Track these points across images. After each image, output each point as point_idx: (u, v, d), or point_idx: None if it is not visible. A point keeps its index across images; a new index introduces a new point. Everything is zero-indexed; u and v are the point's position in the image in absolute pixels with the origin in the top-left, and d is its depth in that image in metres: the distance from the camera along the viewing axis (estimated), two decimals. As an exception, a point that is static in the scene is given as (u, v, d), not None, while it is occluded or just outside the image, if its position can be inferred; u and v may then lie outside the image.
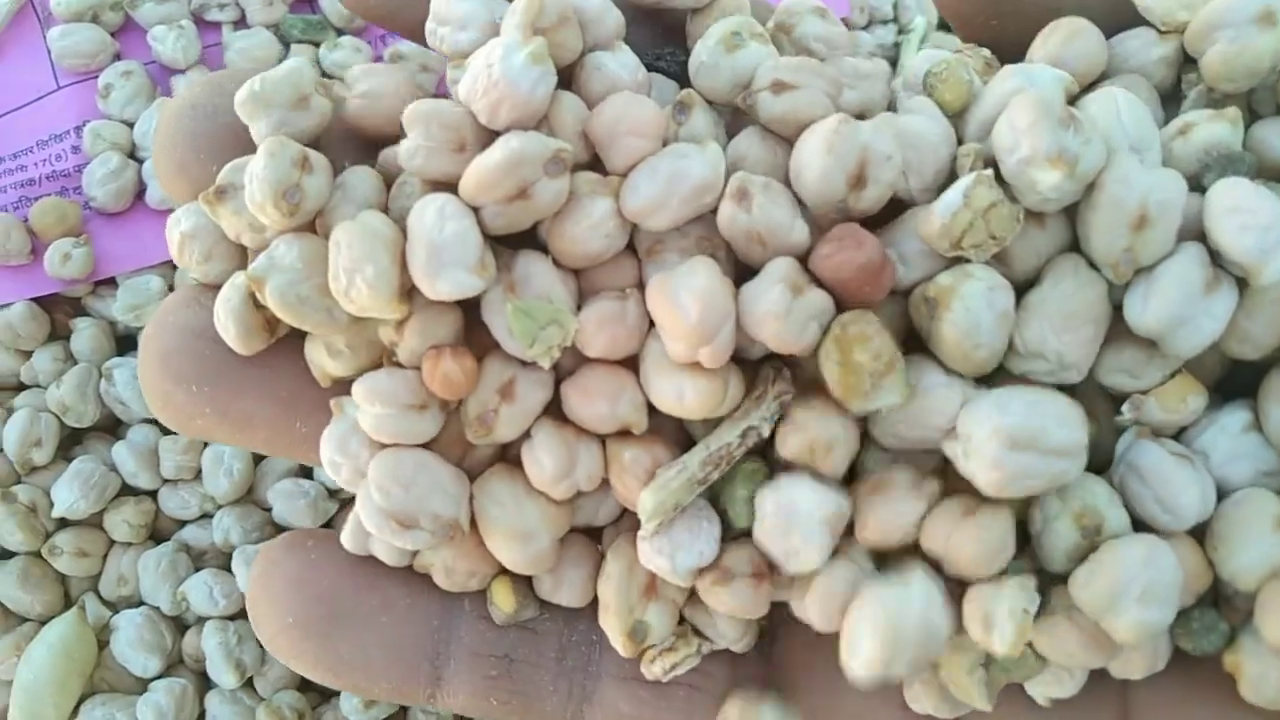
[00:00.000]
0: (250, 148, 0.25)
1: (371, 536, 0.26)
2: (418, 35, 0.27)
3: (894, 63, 0.54)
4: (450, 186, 0.24)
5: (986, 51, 0.28)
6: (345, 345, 0.25)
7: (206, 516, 0.45)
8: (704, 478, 0.24)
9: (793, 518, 0.24)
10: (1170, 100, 0.27)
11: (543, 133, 0.24)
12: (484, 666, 0.27)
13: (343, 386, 0.25)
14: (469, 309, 0.25)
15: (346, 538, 0.27)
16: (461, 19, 0.25)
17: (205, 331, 0.25)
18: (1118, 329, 0.24)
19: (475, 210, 0.23)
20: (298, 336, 0.26)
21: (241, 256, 0.26)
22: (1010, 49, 0.27)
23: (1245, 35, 0.25)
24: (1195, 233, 0.24)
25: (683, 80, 0.26)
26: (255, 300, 0.25)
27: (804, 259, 0.24)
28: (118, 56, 0.48)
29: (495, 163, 0.23)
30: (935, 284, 0.24)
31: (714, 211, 0.24)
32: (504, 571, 0.26)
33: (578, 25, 0.25)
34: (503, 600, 0.26)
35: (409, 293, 0.24)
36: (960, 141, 0.25)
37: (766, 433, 0.24)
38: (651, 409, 0.25)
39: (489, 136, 0.24)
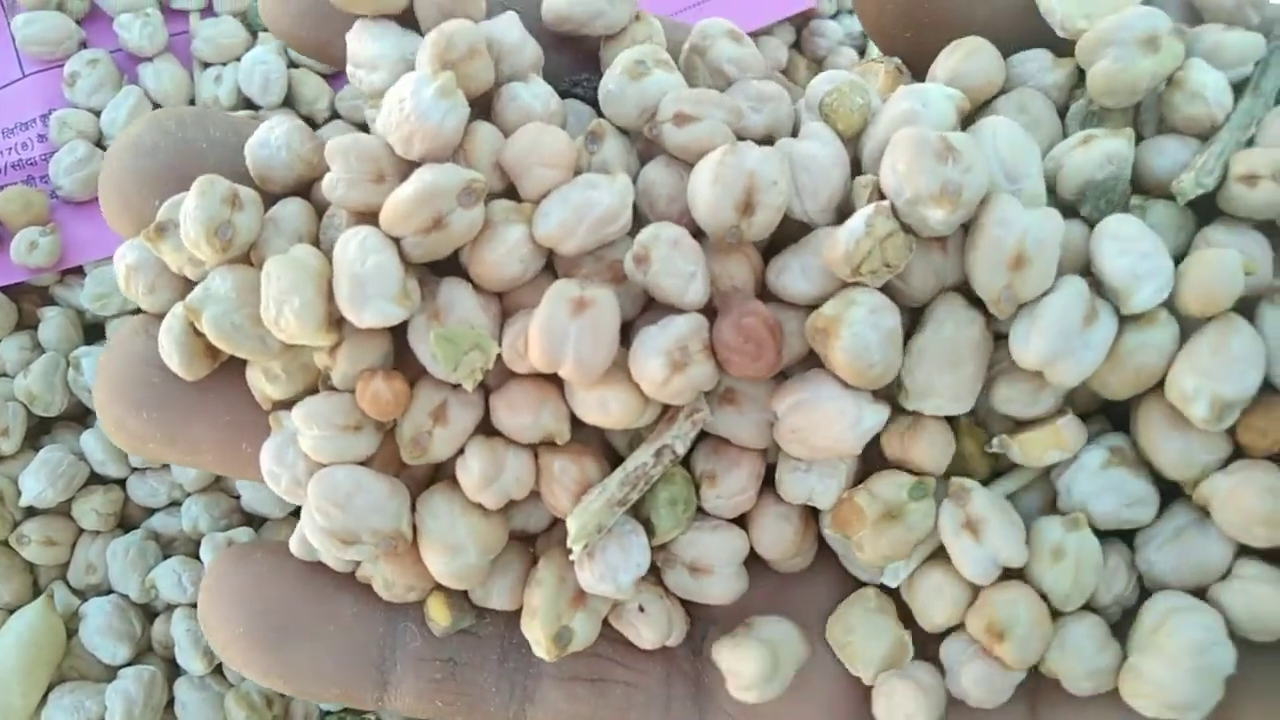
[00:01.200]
0: (188, 184, 0.25)
1: (318, 547, 0.27)
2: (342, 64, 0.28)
3: (862, 51, 0.55)
4: (373, 216, 0.24)
5: (897, 61, 0.29)
6: (281, 370, 0.26)
7: (175, 504, 0.46)
8: (623, 498, 0.26)
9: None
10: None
11: (459, 162, 0.25)
12: (428, 671, 0.28)
13: (283, 408, 0.26)
14: (400, 334, 0.26)
15: (295, 545, 0.28)
16: (373, 60, 0.26)
17: (154, 360, 0.27)
18: (1009, 362, 0.25)
19: (396, 241, 0.24)
20: (239, 363, 0.27)
21: (186, 286, 0.27)
22: (927, 60, 0.28)
23: (1129, 56, 0.26)
24: (1076, 261, 0.25)
25: (598, 106, 0.27)
26: (195, 328, 0.26)
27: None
28: (84, 44, 0.48)
29: (409, 196, 0.24)
30: (821, 315, 0.25)
31: (633, 233, 0.25)
32: (440, 585, 0.27)
33: (489, 57, 0.26)
34: (438, 614, 0.27)
35: (339, 321, 0.25)
36: (858, 160, 0.26)
37: (681, 450, 0.26)
38: (578, 424, 0.26)
39: (407, 166, 0.25)
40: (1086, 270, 0.25)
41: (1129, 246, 0.24)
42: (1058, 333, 0.24)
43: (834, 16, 0.55)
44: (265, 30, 0.50)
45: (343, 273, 0.24)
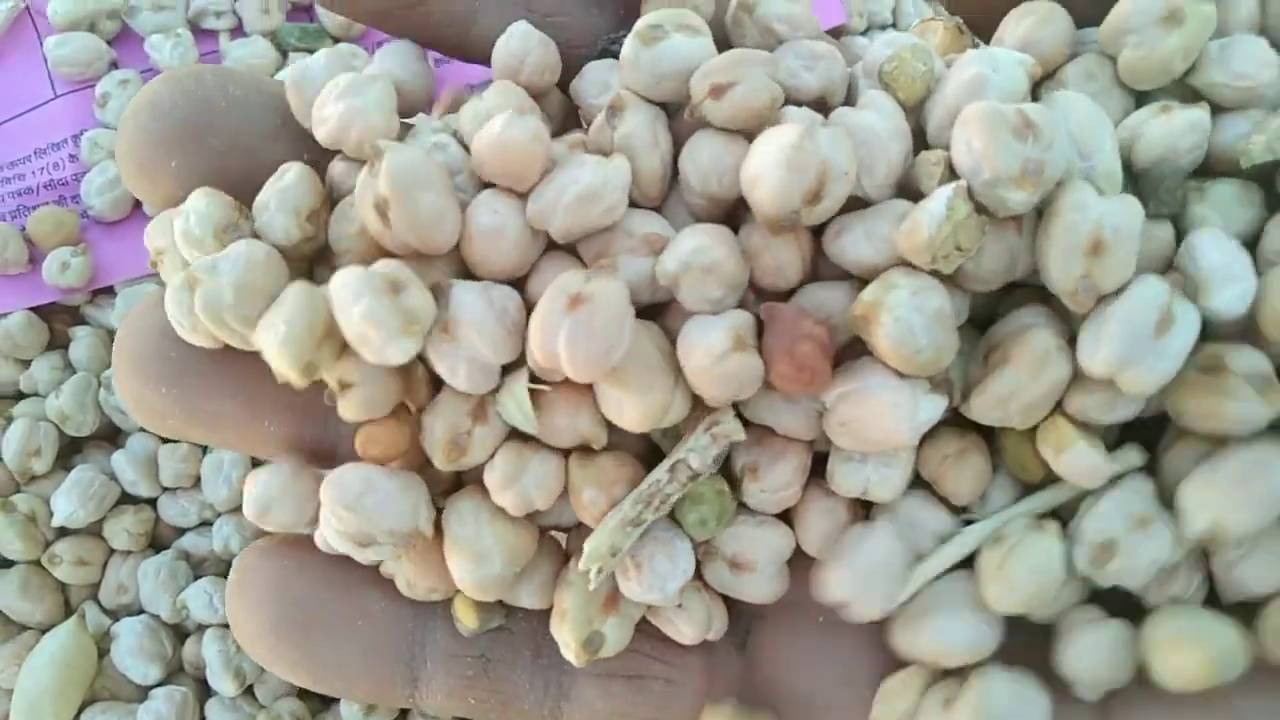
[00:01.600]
0: (206, 144, 0.25)
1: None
2: (411, 34, 0.27)
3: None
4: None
5: (957, 20, 0.27)
6: None
7: (206, 524, 0.46)
8: (636, 518, 0.24)
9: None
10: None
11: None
12: (460, 667, 0.27)
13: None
14: None
15: (320, 538, 0.27)
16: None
17: (171, 332, 0.25)
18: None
19: (378, 270, 0.23)
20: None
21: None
22: (994, 20, 0.27)
23: (1152, 39, 0.25)
24: (1153, 261, 0.24)
25: None
26: None
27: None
28: (114, 65, 0.48)
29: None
30: (861, 301, 0.23)
31: (663, 210, 0.24)
32: None
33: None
34: (466, 616, 0.26)
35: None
36: (919, 130, 0.25)
37: (698, 466, 0.24)
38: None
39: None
40: (1164, 271, 0.23)
41: (1224, 244, 0.23)
42: (1127, 337, 0.22)
43: (864, 33, 0.54)
44: (294, 50, 0.50)
45: (342, 324, 0.22)
